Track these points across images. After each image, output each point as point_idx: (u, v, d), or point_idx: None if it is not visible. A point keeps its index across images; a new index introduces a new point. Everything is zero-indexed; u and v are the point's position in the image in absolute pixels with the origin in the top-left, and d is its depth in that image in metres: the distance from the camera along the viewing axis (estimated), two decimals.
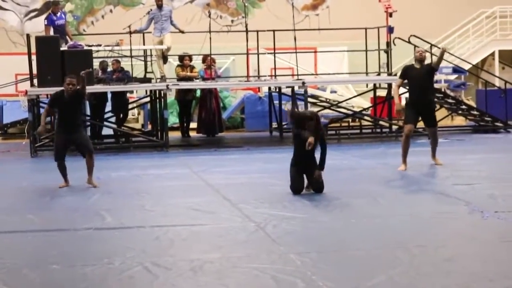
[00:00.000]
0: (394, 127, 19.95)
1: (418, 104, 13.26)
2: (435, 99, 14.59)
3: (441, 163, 13.40)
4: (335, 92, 23.72)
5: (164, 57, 18.95)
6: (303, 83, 18.40)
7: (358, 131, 20.90)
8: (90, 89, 17.90)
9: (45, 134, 13.72)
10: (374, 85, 20.91)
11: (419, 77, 13.21)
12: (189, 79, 19.50)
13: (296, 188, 10.80)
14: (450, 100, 21.22)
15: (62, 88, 12.42)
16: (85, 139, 12.44)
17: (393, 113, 12.94)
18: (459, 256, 7.17)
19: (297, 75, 19.98)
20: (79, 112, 12.46)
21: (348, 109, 21.56)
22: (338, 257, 7.25)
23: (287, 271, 6.69)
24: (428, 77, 13.41)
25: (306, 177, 10.94)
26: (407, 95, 14.53)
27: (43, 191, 11.80)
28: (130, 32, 18.32)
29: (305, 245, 7.72)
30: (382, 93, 21.34)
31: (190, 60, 19.88)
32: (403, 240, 7.89)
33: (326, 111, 21.81)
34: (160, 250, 7.71)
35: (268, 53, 20.61)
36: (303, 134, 10.69)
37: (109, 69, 19.88)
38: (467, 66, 23.98)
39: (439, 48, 19.83)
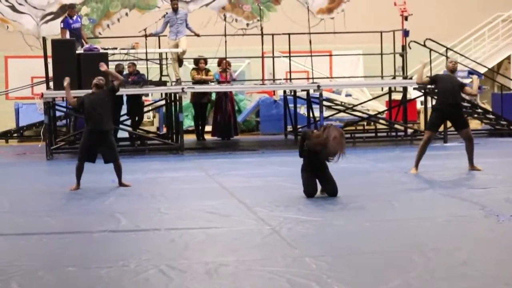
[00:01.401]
0: (410, 131, 19.95)
1: (446, 107, 13.22)
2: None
3: (479, 169, 13.21)
4: (350, 95, 23.70)
5: (179, 60, 19.01)
6: (318, 86, 18.40)
7: (373, 134, 20.89)
8: None
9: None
10: (390, 88, 20.88)
11: (451, 82, 13.21)
12: (204, 82, 19.54)
13: (310, 192, 10.79)
14: (465, 104, 21.15)
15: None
16: (111, 144, 12.51)
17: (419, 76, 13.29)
18: (475, 259, 7.15)
19: (312, 78, 19.99)
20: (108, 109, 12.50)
21: (363, 113, 21.55)
22: (353, 261, 7.24)
23: (302, 274, 6.69)
24: (458, 84, 13.47)
25: (319, 182, 10.92)
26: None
27: (59, 194, 11.85)
28: (146, 36, 18.36)
29: (320, 248, 7.72)
30: (397, 96, 21.31)
31: (206, 63, 19.92)
32: (418, 243, 7.87)
33: (341, 114, 21.80)
34: (175, 252, 7.72)
35: (283, 57, 20.62)
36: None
37: (125, 72, 19.95)
38: (482, 70, 23.89)
39: (455, 51, 19.84)
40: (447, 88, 13.29)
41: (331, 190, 10.82)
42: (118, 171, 12.44)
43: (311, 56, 19.27)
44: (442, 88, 13.49)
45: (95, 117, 12.23)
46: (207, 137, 21.08)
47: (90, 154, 12.35)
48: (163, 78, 19.55)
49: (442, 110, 13.35)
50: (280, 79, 20.69)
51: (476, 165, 13.31)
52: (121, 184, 12.41)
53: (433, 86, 13.59)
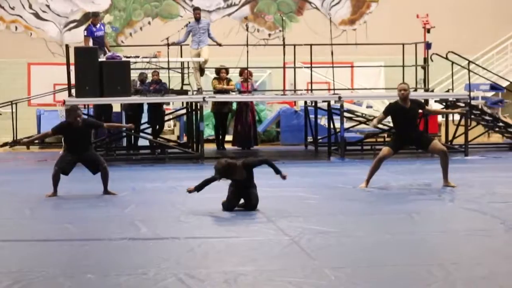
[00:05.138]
0: None
1: (406, 137, 12.99)
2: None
3: (453, 185, 12.88)
4: (371, 107, 23.66)
5: (201, 70, 19.06)
6: (339, 97, 18.36)
7: None
8: (127, 100, 18.08)
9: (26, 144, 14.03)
10: None
11: (405, 117, 12.89)
12: (226, 91, 19.56)
13: (228, 208, 10.74)
14: (487, 117, 21.09)
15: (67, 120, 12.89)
16: (94, 154, 12.69)
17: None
18: (495, 274, 7.10)
19: (334, 89, 19.97)
20: (88, 138, 12.73)
21: (384, 124, 21.48)
22: (373, 273, 7.22)
23: (321, 286, 6.68)
24: (415, 116, 13.20)
25: (244, 200, 10.87)
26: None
27: (79, 201, 11.90)
28: (168, 44, 18.42)
29: (340, 260, 7.71)
30: None
31: (227, 73, 19.95)
32: (438, 256, 7.84)
33: (362, 126, 21.76)
34: (195, 261, 7.73)
35: (304, 67, 20.62)
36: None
37: (148, 80, 20.02)
38: (505, 83, 23.82)
39: (477, 65, 19.73)
40: (402, 125, 12.95)
41: (250, 204, 10.79)
42: (105, 176, 12.45)
43: (332, 67, 19.27)
44: (397, 122, 13.10)
45: (75, 146, 12.50)
46: (227, 146, 21.09)
47: (68, 168, 12.50)
48: (185, 87, 19.58)
49: (402, 137, 13.09)
50: (301, 90, 20.68)
51: (450, 181, 12.96)
52: (106, 192, 12.43)
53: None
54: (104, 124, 13.22)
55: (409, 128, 12.90)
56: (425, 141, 13.09)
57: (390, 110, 13.08)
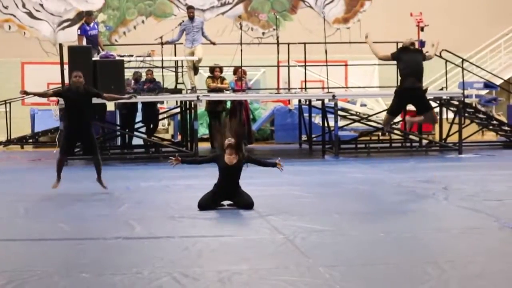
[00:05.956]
0: (424, 142, 19.91)
1: (408, 92, 12.95)
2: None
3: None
4: (365, 105, 23.69)
5: (195, 68, 19.06)
6: (334, 96, 18.38)
7: (387, 145, 20.84)
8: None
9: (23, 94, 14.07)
10: None
11: (413, 59, 12.96)
12: (220, 90, 19.57)
13: (202, 205, 10.68)
14: (481, 115, 21.12)
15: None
16: (92, 137, 12.65)
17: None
18: (489, 272, 7.12)
19: (328, 88, 19.98)
20: (88, 106, 12.64)
21: (378, 123, 21.51)
22: (367, 271, 7.22)
23: (316, 284, 6.68)
24: (420, 59, 13.19)
25: (233, 202, 10.82)
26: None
27: (73, 200, 11.87)
28: (162, 43, 18.42)
29: (334, 258, 7.71)
30: (412, 107, 21.25)
31: (221, 71, 19.96)
32: (432, 255, 7.85)
33: (356, 124, 21.79)
34: (189, 260, 7.72)
35: (298, 66, 20.63)
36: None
37: (143, 79, 20.02)
38: (498, 81, 23.85)
39: (471, 63, 19.77)
40: (407, 62, 12.98)
41: (245, 202, 10.73)
42: (97, 167, 12.50)
43: (326, 65, 19.29)
44: (403, 62, 13.11)
45: (74, 116, 12.42)
46: None
47: (70, 148, 12.63)
48: (179, 86, 19.59)
49: (404, 95, 13.06)
50: (295, 88, 20.69)
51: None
52: (99, 179, 12.46)
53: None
54: (104, 95, 13.09)
55: (415, 73, 12.87)
56: (424, 105, 13.08)
57: (397, 50, 13.12)
